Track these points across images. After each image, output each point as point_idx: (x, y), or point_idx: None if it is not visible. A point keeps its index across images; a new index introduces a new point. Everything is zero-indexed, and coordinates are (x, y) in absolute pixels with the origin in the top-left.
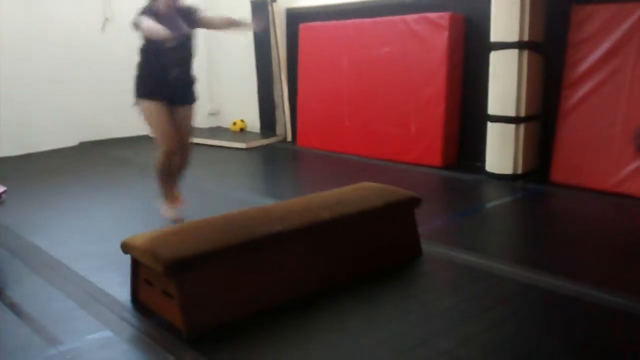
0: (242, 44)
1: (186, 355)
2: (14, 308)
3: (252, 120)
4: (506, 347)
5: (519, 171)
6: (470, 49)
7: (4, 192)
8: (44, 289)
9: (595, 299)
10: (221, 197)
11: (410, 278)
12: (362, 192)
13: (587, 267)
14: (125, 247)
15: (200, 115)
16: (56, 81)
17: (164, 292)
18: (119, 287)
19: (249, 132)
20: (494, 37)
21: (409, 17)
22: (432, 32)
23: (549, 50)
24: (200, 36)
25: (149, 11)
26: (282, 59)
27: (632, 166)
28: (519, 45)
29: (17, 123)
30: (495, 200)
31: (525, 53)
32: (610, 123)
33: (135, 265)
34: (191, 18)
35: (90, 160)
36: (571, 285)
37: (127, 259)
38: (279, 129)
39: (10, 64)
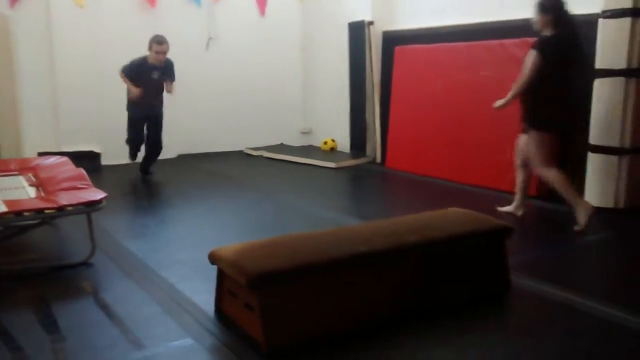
0: (336, 64)
1: None
2: (105, 309)
3: (343, 140)
4: None
5: (621, 205)
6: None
7: (105, 197)
8: (134, 293)
9: None
10: (308, 215)
11: (498, 311)
12: (451, 218)
13: None
14: (212, 258)
15: (293, 134)
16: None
17: (246, 304)
18: (205, 296)
19: (339, 151)
20: (600, 64)
21: (508, 42)
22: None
23: None
24: (297, 56)
25: None
26: (376, 81)
27: None
28: (627, 72)
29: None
30: (593, 235)
31: (633, 81)
32: None
33: (221, 275)
34: None
35: (187, 172)
36: None
37: (214, 269)
38: (369, 150)
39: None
